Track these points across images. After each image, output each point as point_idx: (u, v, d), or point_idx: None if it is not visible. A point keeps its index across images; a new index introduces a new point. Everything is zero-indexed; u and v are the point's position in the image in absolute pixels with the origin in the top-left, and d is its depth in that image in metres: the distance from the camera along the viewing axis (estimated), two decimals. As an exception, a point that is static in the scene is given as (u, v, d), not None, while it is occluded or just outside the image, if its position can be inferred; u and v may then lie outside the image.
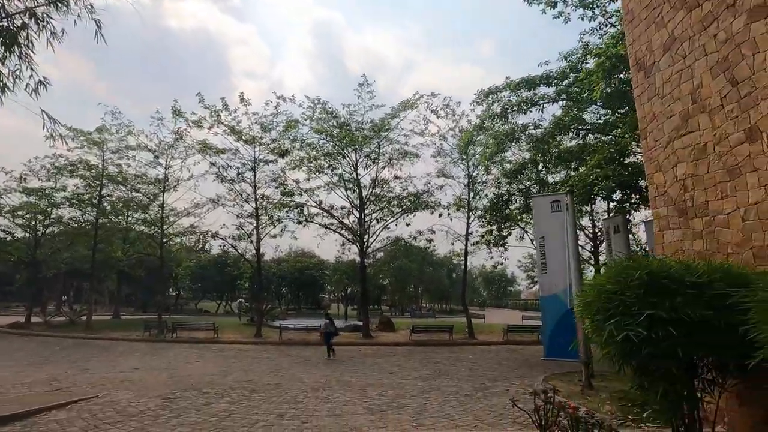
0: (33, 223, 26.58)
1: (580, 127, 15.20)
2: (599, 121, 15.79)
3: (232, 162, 22.83)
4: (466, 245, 23.13)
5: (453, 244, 24.76)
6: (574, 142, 17.43)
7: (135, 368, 12.55)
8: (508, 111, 14.42)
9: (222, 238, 23.71)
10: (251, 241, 23.48)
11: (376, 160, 22.07)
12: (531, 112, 14.22)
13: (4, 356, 14.86)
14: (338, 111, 22.43)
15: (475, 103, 16.29)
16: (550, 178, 19.00)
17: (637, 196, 14.49)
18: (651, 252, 13.11)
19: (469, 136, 17.22)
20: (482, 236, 23.06)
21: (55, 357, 15.00)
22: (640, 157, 13.63)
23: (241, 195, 22.93)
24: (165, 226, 25.32)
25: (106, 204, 25.10)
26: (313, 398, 8.79)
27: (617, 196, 14.67)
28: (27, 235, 27.42)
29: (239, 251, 25.12)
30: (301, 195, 22.63)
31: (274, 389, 9.68)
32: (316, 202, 22.68)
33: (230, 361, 14.36)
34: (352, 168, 22.66)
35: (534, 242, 23.67)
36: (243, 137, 22.40)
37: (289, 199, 22.03)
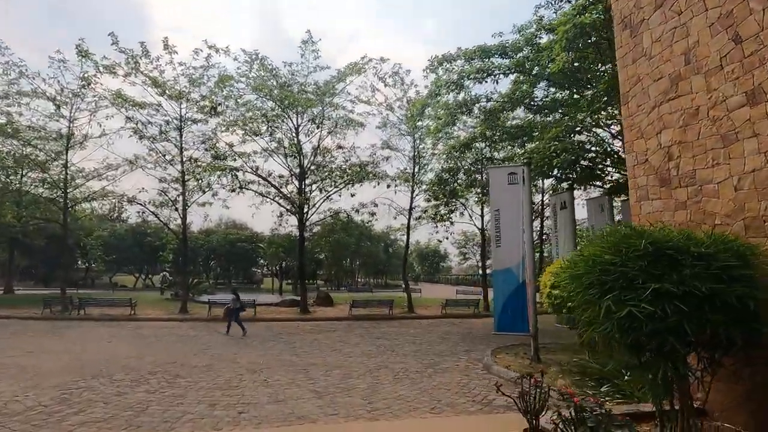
0: None
1: (531, 102, 15.14)
2: (547, 98, 15.85)
3: (154, 118, 20.13)
4: (408, 219, 22.83)
5: (395, 218, 24.37)
6: (516, 122, 17.50)
7: (28, 352, 10.55)
8: (464, 79, 13.87)
9: (140, 204, 21.03)
10: (176, 209, 21.16)
11: (320, 125, 20.64)
12: (486, 82, 13.81)
13: None
14: (279, 69, 20.59)
15: (428, 70, 15.54)
16: (496, 155, 19.07)
17: (574, 175, 14.84)
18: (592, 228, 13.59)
19: (422, 103, 16.52)
20: (425, 211, 22.91)
21: None
22: (588, 134, 13.88)
23: (165, 156, 20.39)
24: (70, 189, 21.91)
25: (-10, 160, 21.05)
26: (250, 382, 7.80)
27: (557, 172, 14.91)
28: None
29: (162, 220, 22.60)
30: (235, 160, 20.66)
31: (203, 373, 8.51)
32: (252, 168, 20.86)
33: (150, 340, 12.73)
34: (293, 134, 21.08)
35: (473, 218, 24.32)
36: (167, 91, 19.73)
37: (222, 163, 19.97)
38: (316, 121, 20.53)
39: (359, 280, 63.70)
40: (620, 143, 13.97)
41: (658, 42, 5.36)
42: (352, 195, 21.57)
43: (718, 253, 3.67)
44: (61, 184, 21.42)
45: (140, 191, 21.02)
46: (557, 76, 13.27)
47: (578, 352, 10.38)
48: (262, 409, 6.17)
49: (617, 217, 13.03)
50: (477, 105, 15.28)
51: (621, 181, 15.89)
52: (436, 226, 22.17)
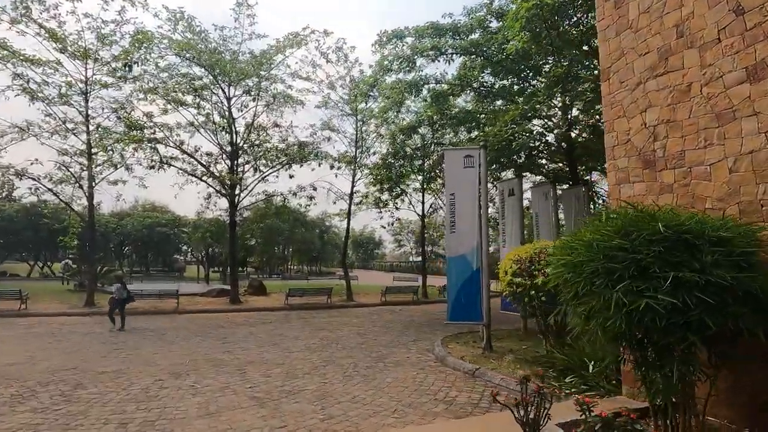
0: None
1: (481, 87, 14.91)
2: (494, 85, 15.72)
3: (52, 78, 16.97)
4: (350, 204, 21.92)
5: (335, 203, 23.31)
6: (460, 108, 17.31)
7: None
8: (417, 56, 13.18)
9: (33, 179, 17.75)
10: (80, 186, 18.21)
11: (256, 98, 18.83)
12: (438, 61, 13.25)
13: None
14: (209, 33, 18.40)
15: (377, 45, 14.63)
16: (442, 141, 18.78)
17: (521, 162, 14.94)
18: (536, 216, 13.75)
19: (372, 79, 15.57)
20: (365, 196, 22.17)
21: None
22: (533, 123, 13.90)
23: (65, 124, 17.35)
24: (-63, 159, 17.98)
25: None
26: (174, 389, 6.55)
27: (503, 159, 14.89)
28: None
29: (63, 199, 19.37)
30: (154, 132, 18.20)
31: (112, 380, 7.05)
32: (175, 143, 18.56)
33: (44, 340, 10.67)
34: (224, 107, 19.08)
35: (413, 205, 24.05)
36: (69, 47, 16.72)
37: (139, 134, 17.44)
38: (252, 93, 18.70)
39: (292, 267, 61.70)
40: (559, 132, 14.27)
41: (646, 13, 5.01)
42: (291, 176, 20.18)
43: (735, 238, 3.34)
44: (-75, 152, 17.42)
45: (32, 163, 17.65)
46: (506, 62, 13.10)
47: (525, 339, 10.39)
48: (190, 426, 5.06)
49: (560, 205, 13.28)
50: (426, 86, 14.72)
51: (558, 171, 16.40)
52: (380, 212, 21.55)
